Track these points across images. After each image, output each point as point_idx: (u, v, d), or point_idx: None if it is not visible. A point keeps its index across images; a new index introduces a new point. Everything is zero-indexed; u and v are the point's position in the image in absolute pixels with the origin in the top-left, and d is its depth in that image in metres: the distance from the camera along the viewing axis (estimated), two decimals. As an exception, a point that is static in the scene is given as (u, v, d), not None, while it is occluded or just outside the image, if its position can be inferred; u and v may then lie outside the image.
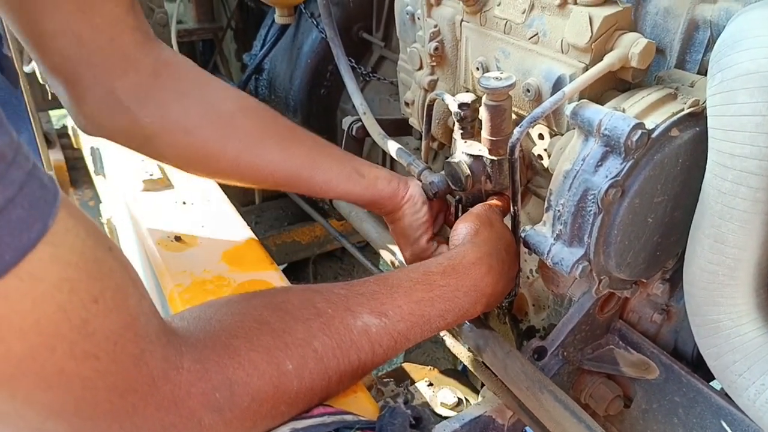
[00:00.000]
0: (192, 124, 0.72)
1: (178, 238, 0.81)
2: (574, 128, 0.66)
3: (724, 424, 0.75)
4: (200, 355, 0.48)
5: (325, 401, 0.58)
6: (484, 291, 0.69)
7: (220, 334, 0.51)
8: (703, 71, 0.70)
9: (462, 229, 0.74)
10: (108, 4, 0.65)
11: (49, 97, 1.52)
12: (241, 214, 0.92)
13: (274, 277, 0.78)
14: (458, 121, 0.79)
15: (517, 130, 0.67)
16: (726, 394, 0.71)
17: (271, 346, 0.52)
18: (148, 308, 0.45)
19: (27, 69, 1.32)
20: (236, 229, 0.87)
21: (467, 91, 0.86)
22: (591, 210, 0.64)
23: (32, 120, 1.28)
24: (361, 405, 0.60)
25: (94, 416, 0.41)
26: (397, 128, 1.15)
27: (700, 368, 0.79)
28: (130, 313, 0.42)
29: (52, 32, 0.64)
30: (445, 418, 0.80)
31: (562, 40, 0.69)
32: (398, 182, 0.85)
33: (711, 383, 0.79)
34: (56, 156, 1.78)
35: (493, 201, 0.81)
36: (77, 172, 1.80)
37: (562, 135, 0.74)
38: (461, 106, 0.78)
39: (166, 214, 0.89)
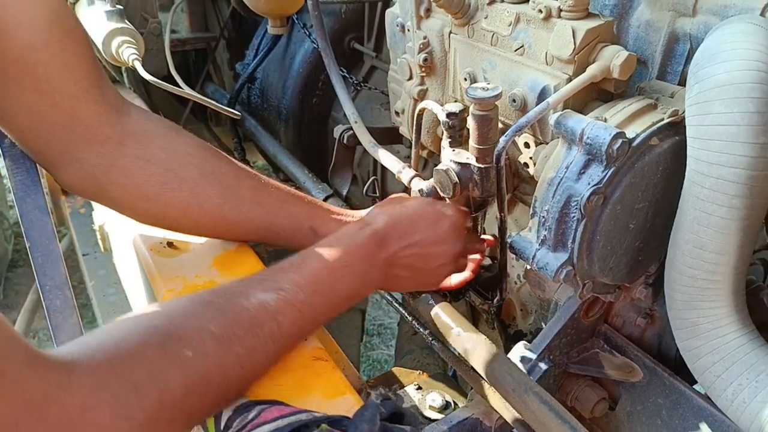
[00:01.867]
0: (153, 191, 0.75)
1: (170, 244, 0.83)
2: (558, 137, 0.69)
3: (706, 425, 0.77)
4: (91, 370, 0.48)
5: (251, 384, 0.60)
6: (381, 258, 0.72)
7: (110, 347, 0.51)
8: (683, 82, 0.73)
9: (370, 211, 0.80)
10: (66, 82, 0.67)
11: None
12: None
13: (266, 283, 0.79)
14: (446, 130, 0.81)
15: (502, 139, 0.69)
16: (707, 396, 0.73)
17: (164, 343, 0.53)
18: (4, 332, 0.44)
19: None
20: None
21: (456, 101, 0.88)
22: (574, 216, 0.66)
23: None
24: (350, 406, 0.61)
25: None
26: (388, 137, 1.17)
27: (682, 371, 0.81)
28: None
29: (12, 110, 0.66)
30: (434, 420, 0.81)
31: (546, 53, 0.71)
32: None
33: (695, 386, 0.80)
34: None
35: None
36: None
37: (547, 144, 0.76)
38: (449, 115, 0.79)
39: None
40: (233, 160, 0.84)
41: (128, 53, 1.04)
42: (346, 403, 0.62)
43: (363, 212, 0.89)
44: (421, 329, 0.94)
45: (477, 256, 0.92)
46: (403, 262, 0.75)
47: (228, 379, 0.57)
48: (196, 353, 0.54)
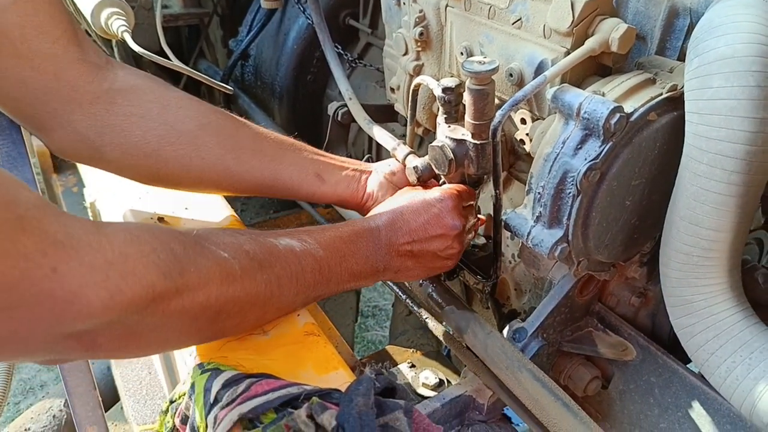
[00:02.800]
0: (151, 147, 0.73)
1: (161, 219, 0.82)
2: (555, 112, 0.67)
3: (698, 403, 0.77)
4: (124, 227, 0.48)
5: (268, 319, 0.62)
6: (383, 249, 0.74)
7: (145, 227, 0.52)
8: (682, 57, 0.72)
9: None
10: (44, 43, 0.65)
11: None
12: (227, 201, 0.92)
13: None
14: (442, 105, 0.80)
15: (498, 114, 0.67)
16: (701, 375, 0.73)
17: (202, 242, 0.55)
18: (10, 182, 0.44)
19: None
20: (219, 210, 0.87)
21: (452, 76, 0.87)
22: (570, 192, 0.65)
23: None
24: (342, 381, 0.61)
25: (3, 288, 0.41)
26: (384, 114, 1.16)
27: (676, 350, 0.81)
28: None
29: None
30: (427, 398, 0.81)
31: (544, 25, 0.70)
32: (357, 184, 0.88)
33: (688, 366, 0.80)
34: (39, 142, 1.76)
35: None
36: (61, 158, 1.78)
37: (544, 119, 0.75)
38: (445, 90, 0.78)
39: (150, 195, 0.89)
40: (228, 112, 0.82)
41: (117, 25, 1.02)
42: (338, 378, 0.61)
43: (365, 164, 0.90)
44: (416, 308, 0.93)
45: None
46: (404, 253, 0.76)
47: (256, 297, 0.59)
48: (233, 257, 0.56)
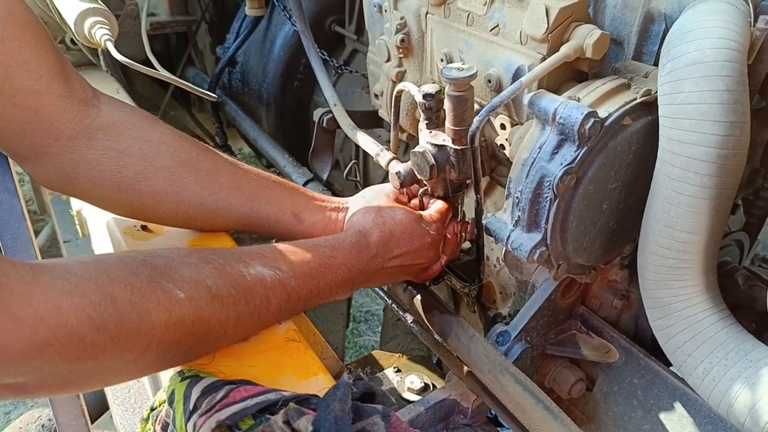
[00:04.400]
0: (126, 182, 0.73)
1: (144, 227, 0.82)
2: (532, 118, 0.68)
3: (680, 405, 0.78)
4: (64, 274, 0.47)
5: (221, 348, 0.61)
6: (367, 265, 0.75)
7: (93, 264, 0.51)
8: (658, 63, 0.73)
9: (354, 217, 0.81)
10: (27, 80, 0.65)
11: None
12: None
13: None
14: (423, 111, 0.81)
15: (476, 119, 0.68)
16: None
17: (156, 278, 0.53)
18: None
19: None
20: (205, 218, 0.87)
21: (433, 83, 0.88)
22: (547, 196, 0.66)
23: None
24: (322, 386, 0.61)
25: None
26: (370, 120, 1.17)
27: (659, 352, 0.82)
28: None
29: None
30: (412, 402, 0.82)
31: (521, 32, 0.71)
32: (335, 224, 0.86)
33: (671, 368, 0.81)
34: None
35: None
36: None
37: (522, 125, 0.76)
38: (426, 96, 0.79)
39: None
40: (211, 147, 0.82)
41: (100, 34, 1.02)
42: (318, 384, 0.62)
43: (344, 200, 0.89)
44: (401, 313, 0.94)
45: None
46: (390, 269, 0.79)
47: (208, 335, 0.58)
48: (189, 299, 0.54)
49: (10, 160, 0.71)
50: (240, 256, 0.63)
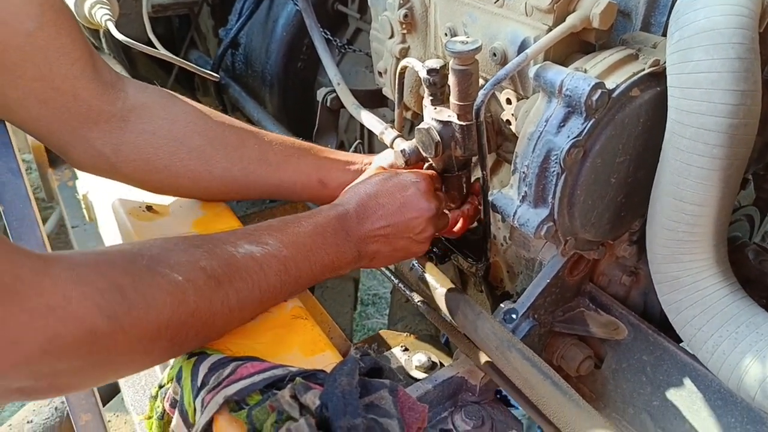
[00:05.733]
0: (163, 163, 0.76)
1: (149, 208, 0.82)
2: (538, 91, 0.67)
3: (689, 380, 0.77)
4: (71, 265, 0.48)
5: (230, 328, 0.62)
6: (355, 230, 0.74)
7: (94, 255, 0.52)
8: (666, 33, 0.71)
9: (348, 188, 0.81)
10: (65, 64, 0.67)
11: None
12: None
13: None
14: (428, 87, 0.80)
15: (481, 93, 0.67)
16: (692, 353, 0.73)
17: (154, 266, 0.54)
18: None
19: None
20: (208, 198, 0.87)
21: (437, 58, 0.86)
22: (554, 170, 0.65)
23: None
24: (329, 362, 0.61)
25: None
26: (374, 99, 1.16)
27: (668, 328, 0.81)
28: None
29: (16, 100, 0.66)
30: (420, 380, 0.82)
31: (526, 3, 0.69)
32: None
33: (680, 344, 0.81)
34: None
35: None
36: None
37: (528, 99, 0.75)
38: (430, 72, 0.78)
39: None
40: (235, 120, 0.84)
41: (101, 14, 1.02)
42: (325, 359, 0.61)
43: (371, 157, 0.90)
44: (408, 292, 0.93)
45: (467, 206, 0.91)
46: (377, 238, 0.76)
47: (213, 316, 0.58)
48: (187, 280, 0.55)
49: (13, 140, 0.71)
50: (227, 238, 0.63)
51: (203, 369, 0.56)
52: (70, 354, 0.47)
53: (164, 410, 0.62)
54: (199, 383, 0.56)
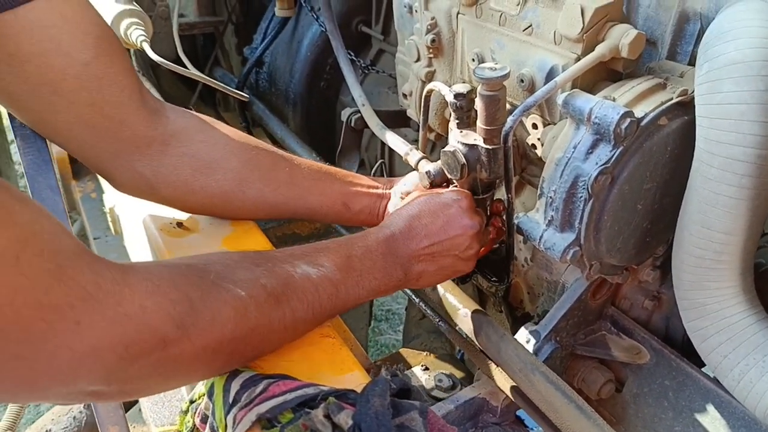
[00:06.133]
0: (199, 184, 0.79)
1: (180, 224, 0.83)
2: (566, 117, 0.68)
3: (712, 407, 0.77)
4: (147, 276, 0.50)
5: (280, 346, 0.63)
6: (402, 250, 0.75)
7: (165, 267, 0.54)
8: (693, 62, 0.72)
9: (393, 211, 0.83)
10: (115, 92, 0.70)
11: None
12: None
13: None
14: (454, 111, 0.81)
15: (510, 119, 0.68)
16: (715, 378, 0.73)
17: (219, 281, 0.56)
18: (54, 228, 0.45)
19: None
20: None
21: (464, 82, 0.88)
22: (582, 196, 0.66)
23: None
24: (358, 382, 0.62)
25: (28, 338, 0.41)
26: (396, 120, 1.17)
27: (690, 354, 0.81)
28: (24, 229, 0.42)
29: (66, 123, 0.69)
30: (441, 400, 0.82)
31: (555, 32, 0.71)
32: (378, 210, 0.91)
33: (702, 369, 0.80)
34: (59, 148, 1.79)
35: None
36: (80, 164, 1.81)
37: (555, 125, 0.76)
38: (457, 96, 0.79)
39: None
40: (267, 144, 0.87)
41: (136, 35, 1.04)
42: (354, 379, 0.62)
43: (393, 180, 0.93)
44: (429, 311, 0.94)
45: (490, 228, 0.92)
46: (423, 257, 0.77)
47: (270, 333, 0.60)
48: (249, 296, 0.57)
49: (53, 156, 0.73)
50: (285, 258, 0.65)
51: (235, 386, 0.57)
52: (142, 361, 0.48)
53: (194, 425, 0.63)
54: (230, 400, 0.57)
